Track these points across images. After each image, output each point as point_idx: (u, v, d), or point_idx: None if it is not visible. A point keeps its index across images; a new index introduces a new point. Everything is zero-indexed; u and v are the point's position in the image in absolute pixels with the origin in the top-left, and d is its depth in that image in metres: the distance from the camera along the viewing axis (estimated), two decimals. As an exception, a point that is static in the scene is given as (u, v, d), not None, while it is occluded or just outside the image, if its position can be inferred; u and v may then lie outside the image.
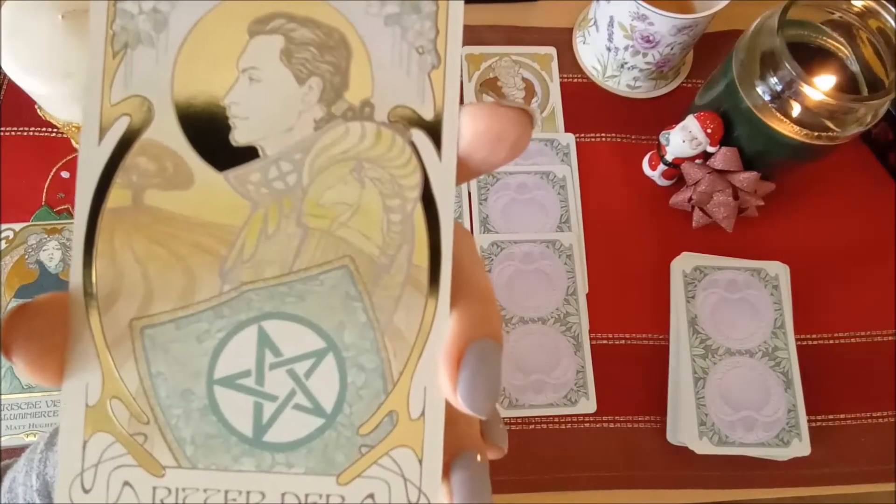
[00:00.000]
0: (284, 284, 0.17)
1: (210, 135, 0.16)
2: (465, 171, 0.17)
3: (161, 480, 0.16)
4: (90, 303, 0.16)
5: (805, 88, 0.44)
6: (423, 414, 0.17)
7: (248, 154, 0.17)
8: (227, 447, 0.16)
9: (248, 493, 0.16)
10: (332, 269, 0.17)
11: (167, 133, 0.16)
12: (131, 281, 0.16)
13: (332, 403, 0.17)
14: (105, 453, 0.16)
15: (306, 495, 0.17)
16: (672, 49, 0.54)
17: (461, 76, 0.59)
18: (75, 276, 0.16)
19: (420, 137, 0.17)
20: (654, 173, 0.56)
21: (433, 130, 0.17)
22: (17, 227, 0.51)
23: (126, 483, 0.16)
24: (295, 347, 0.17)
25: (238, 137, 0.17)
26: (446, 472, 0.17)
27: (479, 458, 0.18)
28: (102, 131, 0.16)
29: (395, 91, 0.17)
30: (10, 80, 0.48)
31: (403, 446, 0.17)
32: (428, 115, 0.17)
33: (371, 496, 0.17)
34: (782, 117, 0.46)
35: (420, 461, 0.17)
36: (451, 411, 0.17)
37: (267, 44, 0.17)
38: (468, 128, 0.16)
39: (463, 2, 0.17)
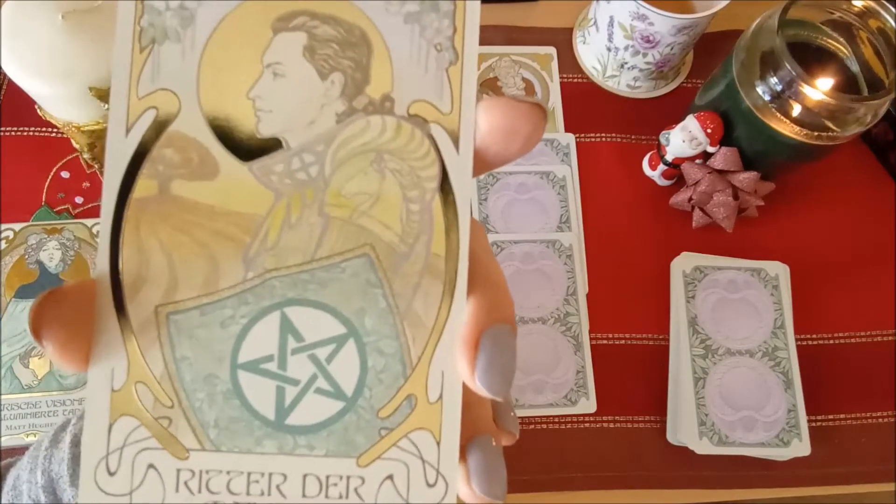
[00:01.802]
0: (307, 272, 0.17)
1: (235, 127, 0.17)
2: (480, 163, 0.18)
3: (185, 463, 0.17)
4: (116, 290, 0.17)
5: (805, 88, 0.44)
6: (440, 397, 0.17)
7: (272, 146, 0.17)
8: (249, 430, 0.17)
9: (270, 474, 0.17)
10: (353, 257, 0.17)
11: (193, 125, 0.17)
12: (157, 268, 0.17)
13: (352, 387, 0.17)
14: (130, 437, 0.17)
15: (327, 477, 0.17)
16: (672, 49, 0.54)
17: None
18: (102, 264, 0.17)
19: (438, 131, 0.17)
20: (654, 173, 0.56)
21: (451, 124, 0.17)
22: (17, 227, 0.51)
23: (150, 465, 0.17)
24: (316, 333, 0.17)
25: (262, 129, 0.17)
26: (463, 454, 0.17)
27: (493, 441, 0.18)
28: (129, 123, 0.17)
29: (414, 86, 0.17)
30: (10, 80, 0.48)
31: (422, 429, 0.17)
32: (446, 110, 0.17)
33: (390, 477, 0.17)
34: (782, 117, 0.46)
35: (438, 443, 0.17)
36: (466, 396, 0.17)
37: (290, 40, 0.17)
38: (484, 122, 0.17)
39: (480, 1, 0.17)
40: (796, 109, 0.46)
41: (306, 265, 0.17)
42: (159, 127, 0.17)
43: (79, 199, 0.53)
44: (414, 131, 0.17)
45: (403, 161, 0.17)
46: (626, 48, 0.55)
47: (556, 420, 0.50)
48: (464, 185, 0.17)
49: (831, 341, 0.54)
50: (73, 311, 0.16)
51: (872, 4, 0.46)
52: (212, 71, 0.17)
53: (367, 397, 0.17)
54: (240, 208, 0.17)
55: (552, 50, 0.61)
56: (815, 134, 0.46)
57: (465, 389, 0.17)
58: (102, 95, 0.44)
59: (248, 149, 0.17)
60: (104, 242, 0.17)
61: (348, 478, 0.17)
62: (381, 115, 0.17)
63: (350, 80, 0.17)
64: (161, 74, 0.17)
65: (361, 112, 0.17)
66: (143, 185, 0.17)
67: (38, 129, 0.54)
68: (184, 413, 0.17)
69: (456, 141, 0.17)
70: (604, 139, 0.58)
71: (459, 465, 0.17)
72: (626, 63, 0.57)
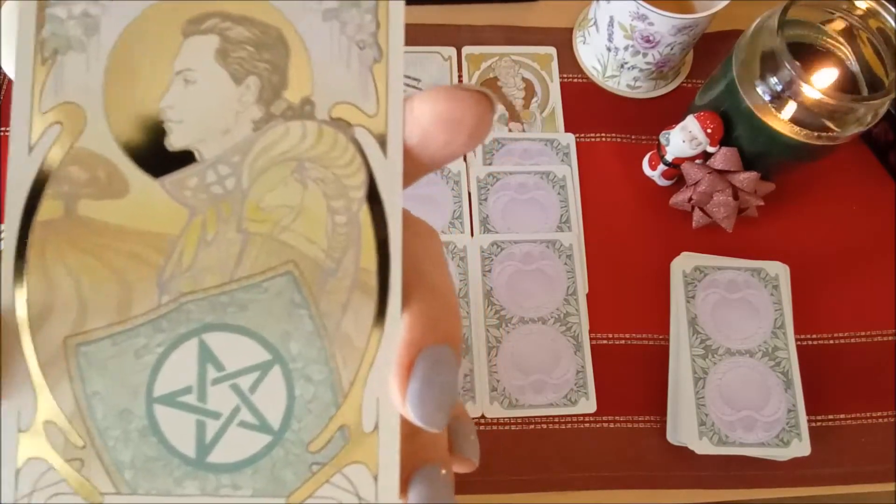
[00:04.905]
0: (225, 294, 0.16)
1: (145, 140, 0.16)
2: (422, 160, 0.16)
3: None
4: (21, 322, 0.15)
5: (805, 88, 0.44)
6: (376, 427, 0.16)
7: (185, 159, 0.16)
8: (168, 470, 0.16)
9: None
10: (275, 276, 0.16)
11: (100, 140, 0.16)
12: (64, 296, 0.16)
13: (279, 419, 0.16)
14: (40, 481, 0.15)
15: None
16: (672, 49, 0.54)
17: (457, 74, 0.59)
18: (5, 295, 0.15)
19: (363, 134, 0.16)
20: (654, 173, 0.56)
21: (377, 126, 0.16)
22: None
23: None
24: (238, 360, 0.16)
25: (174, 142, 0.16)
26: (405, 488, 0.16)
27: (443, 471, 0.17)
28: (32, 141, 0.16)
29: (336, 88, 0.16)
30: (10, 80, 0.47)
31: (357, 462, 0.16)
32: (371, 111, 0.16)
33: None
34: (782, 117, 0.46)
35: (375, 478, 0.16)
36: (411, 423, 0.16)
37: (202, 44, 0.16)
38: (425, 112, 0.16)
39: None
40: (796, 109, 0.46)
41: (225, 286, 0.16)
42: (64, 143, 0.16)
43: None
44: (337, 136, 0.16)
45: (327, 169, 0.16)
46: (626, 48, 0.55)
47: (556, 420, 0.50)
48: (394, 192, 0.16)
49: (831, 341, 0.54)
50: None
51: (873, 5, 0.46)
52: (118, 81, 0.16)
53: (295, 430, 0.16)
54: (152, 227, 0.16)
55: (552, 50, 0.61)
56: (815, 134, 0.46)
57: None
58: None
59: (159, 163, 0.16)
60: (7, 271, 0.15)
61: None
62: (302, 121, 0.16)
63: (266, 83, 0.16)
64: (65, 87, 0.16)
65: (280, 118, 0.16)
66: (48, 207, 0.16)
67: (38, 129, 0.54)
68: (97, 453, 0.15)
69: (383, 144, 0.16)
70: (604, 139, 0.58)
71: (400, 500, 0.16)
72: (626, 63, 0.57)
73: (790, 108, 0.46)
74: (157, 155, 0.16)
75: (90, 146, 0.16)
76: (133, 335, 0.16)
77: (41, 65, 0.16)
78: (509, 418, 0.50)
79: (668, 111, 0.58)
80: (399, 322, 0.16)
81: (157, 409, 0.16)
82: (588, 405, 0.50)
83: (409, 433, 0.16)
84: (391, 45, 0.16)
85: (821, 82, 0.45)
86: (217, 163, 0.16)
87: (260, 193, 0.16)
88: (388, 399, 0.16)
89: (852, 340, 0.54)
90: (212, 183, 0.16)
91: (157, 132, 0.16)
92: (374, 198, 0.16)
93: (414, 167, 0.16)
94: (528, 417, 0.50)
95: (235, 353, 0.16)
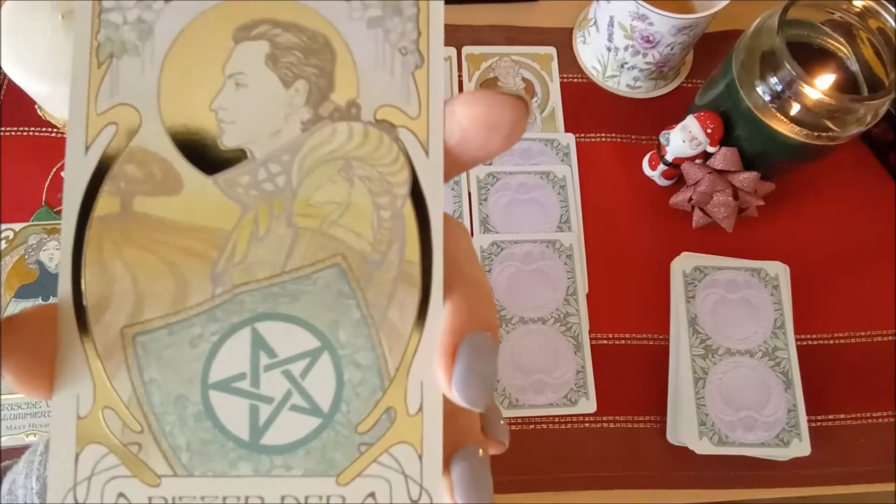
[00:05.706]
0: (277, 285, 0.17)
1: (198, 140, 0.17)
2: (461, 159, 0.17)
3: (157, 490, 0.16)
4: (80, 312, 0.16)
5: (805, 88, 0.44)
6: (420, 409, 0.17)
7: (237, 158, 0.17)
8: (223, 452, 0.16)
9: (246, 498, 0.16)
10: (324, 268, 0.17)
11: (155, 139, 0.16)
12: (121, 288, 0.16)
13: (328, 403, 0.17)
14: (98, 465, 0.16)
15: (306, 497, 0.16)
16: (672, 49, 0.54)
17: (457, 74, 0.59)
18: (64, 287, 0.16)
19: (406, 135, 0.17)
20: (654, 173, 0.56)
21: (419, 128, 0.17)
22: (17, 227, 0.51)
23: (121, 495, 0.16)
24: (290, 348, 0.17)
25: (226, 141, 0.17)
26: (447, 466, 0.17)
27: (480, 452, 0.18)
28: (89, 140, 0.16)
29: (380, 91, 0.17)
30: (10, 80, 0.48)
31: (403, 443, 0.17)
32: (413, 114, 0.17)
33: (372, 495, 0.16)
34: (782, 117, 0.46)
35: (420, 457, 0.17)
36: (450, 406, 0.17)
37: (252, 49, 0.17)
38: (464, 114, 0.17)
39: (443, 4, 0.17)
40: (796, 109, 0.46)
41: (276, 278, 0.17)
42: (120, 143, 0.16)
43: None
44: (382, 137, 0.17)
45: (372, 167, 0.17)
46: (626, 48, 0.55)
47: (556, 420, 0.50)
48: (435, 190, 0.17)
49: (831, 341, 0.54)
50: (33, 338, 0.16)
51: (872, 4, 0.46)
52: (172, 84, 0.17)
53: (344, 412, 0.17)
54: (206, 223, 0.16)
55: (552, 50, 0.61)
56: (815, 134, 0.46)
57: (449, 398, 0.17)
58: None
59: (212, 161, 0.17)
60: (65, 264, 0.16)
61: (328, 497, 0.16)
62: (348, 122, 0.17)
63: (314, 87, 0.17)
64: (120, 89, 0.16)
65: (327, 119, 0.17)
66: (105, 203, 0.16)
67: (38, 129, 0.54)
68: (154, 438, 0.16)
69: (425, 145, 0.17)
70: (604, 139, 0.58)
71: (443, 478, 0.17)
72: (626, 63, 0.57)
73: (790, 108, 0.46)
74: (210, 154, 0.17)
75: (145, 145, 0.16)
76: (188, 325, 0.16)
77: (97, 68, 0.16)
78: (509, 418, 0.50)
79: (668, 111, 0.58)
80: (441, 310, 0.17)
81: (212, 394, 0.16)
82: (588, 405, 0.50)
83: (448, 416, 0.17)
84: (432, 52, 0.17)
85: (821, 82, 0.45)
86: (268, 161, 0.17)
87: (309, 190, 0.17)
88: (432, 382, 0.17)
89: (852, 340, 0.54)
90: (263, 180, 0.17)
91: (210, 132, 0.17)
92: (416, 194, 0.17)
93: (453, 165, 0.17)
94: (528, 417, 0.50)
95: (287, 341, 0.17)
